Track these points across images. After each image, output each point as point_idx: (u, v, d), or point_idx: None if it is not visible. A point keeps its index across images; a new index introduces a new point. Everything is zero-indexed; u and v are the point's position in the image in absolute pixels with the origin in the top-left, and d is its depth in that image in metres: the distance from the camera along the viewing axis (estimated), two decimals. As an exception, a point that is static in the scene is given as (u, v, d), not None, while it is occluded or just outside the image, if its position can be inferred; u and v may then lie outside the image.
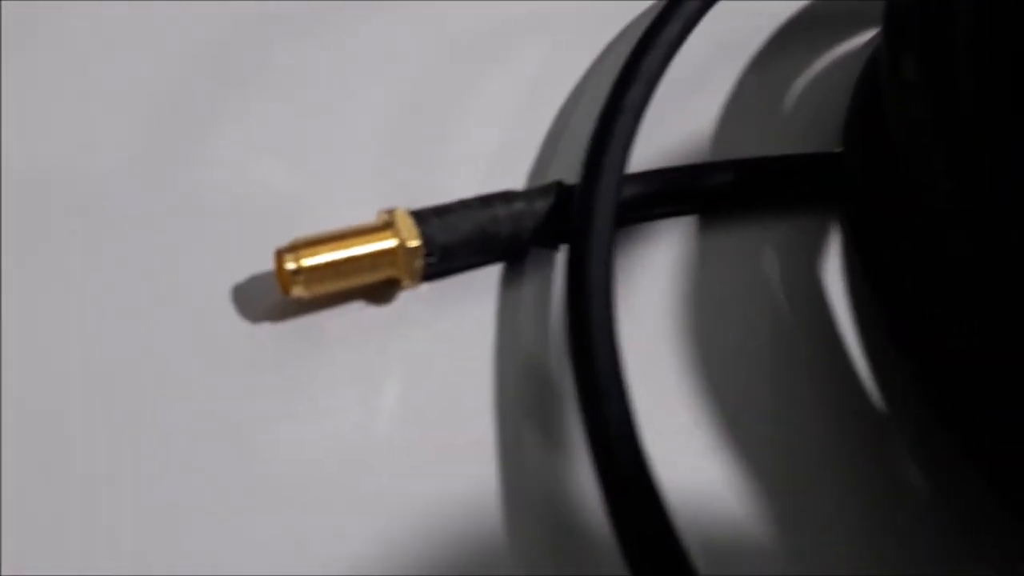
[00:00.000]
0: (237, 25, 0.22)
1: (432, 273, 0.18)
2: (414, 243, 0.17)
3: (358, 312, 0.18)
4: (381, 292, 0.18)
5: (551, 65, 0.22)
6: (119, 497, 0.15)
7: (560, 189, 0.19)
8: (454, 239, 0.18)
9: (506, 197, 0.19)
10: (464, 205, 0.18)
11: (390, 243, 0.17)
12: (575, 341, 0.17)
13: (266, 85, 0.21)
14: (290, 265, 0.16)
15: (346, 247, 0.17)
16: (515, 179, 0.20)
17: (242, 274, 0.18)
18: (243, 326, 0.17)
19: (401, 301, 0.18)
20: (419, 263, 0.17)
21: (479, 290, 0.19)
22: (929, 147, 0.16)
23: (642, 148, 0.21)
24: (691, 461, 0.17)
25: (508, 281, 0.19)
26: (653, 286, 0.19)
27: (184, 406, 0.16)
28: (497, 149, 0.21)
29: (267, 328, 0.17)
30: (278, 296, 0.17)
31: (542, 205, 0.19)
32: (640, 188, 0.19)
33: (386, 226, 0.17)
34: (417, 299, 0.18)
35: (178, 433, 0.16)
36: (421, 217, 0.18)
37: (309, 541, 0.15)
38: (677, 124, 0.22)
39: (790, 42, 0.24)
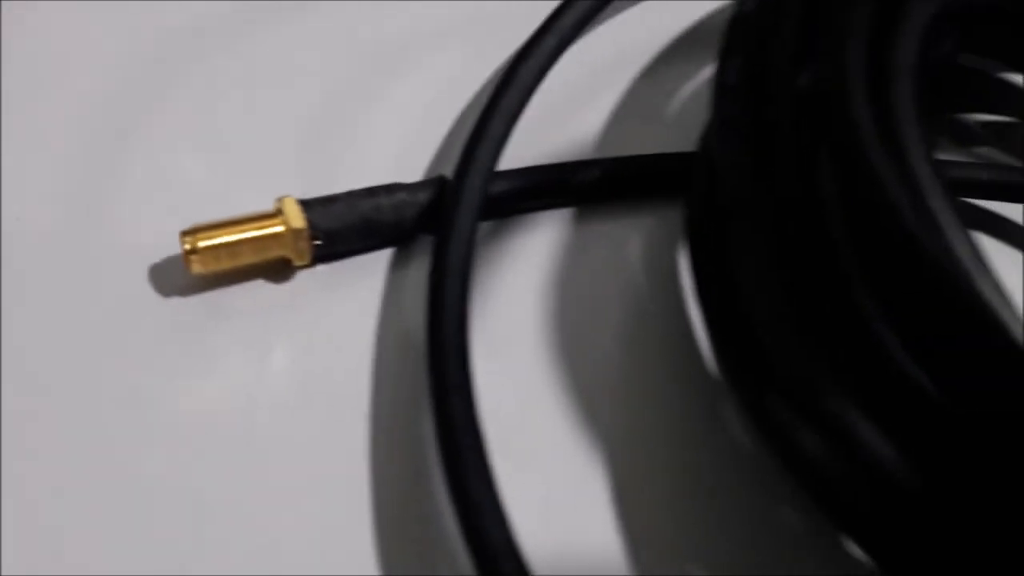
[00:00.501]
0: (165, 32, 0.25)
1: (323, 255, 0.21)
2: (299, 226, 0.20)
3: (258, 289, 0.21)
4: (279, 271, 0.21)
5: (460, 70, 0.25)
6: (29, 441, 0.18)
7: (441, 182, 0.22)
8: (338, 225, 0.21)
9: (390, 189, 0.21)
10: (350, 195, 0.21)
11: (278, 228, 0.20)
12: (430, 317, 0.19)
13: (193, 88, 0.24)
14: (187, 246, 0.19)
15: (239, 231, 0.20)
16: (416, 174, 0.23)
17: (160, 255, 0.21)
18: (155, 299, 0.20)
19: (298, 280, 0.21)
20: (305, 245, 0.20)
21: (370, 271, 0.21)
22: (736, 150, 0.19)
23: (533, 148, 0.23)
24: (544, 421, 0.20)
25: (396, 264, 0.22)
26: (526, 271, 0.22)
27: (98, 364, 0.19)
28: (401, 148, 0.24)
29: (176, 301, 0.20)
30: (188, 274, 0.20)
31: (424, 196, 0.21)
32: (515, 183, 0.22)
33: (277, 212, 0.20)
34: (314, 278, 0.21)
35: (92, 384, 0.19)
36: (308, 205, 0.20)
37: (198, 477, 0.18)
38: (570, 127, 0.24)
39: (679, 54, 0.26)
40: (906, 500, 0.16)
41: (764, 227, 0.17)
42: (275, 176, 0.23)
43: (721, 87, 0.20)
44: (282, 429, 0.19)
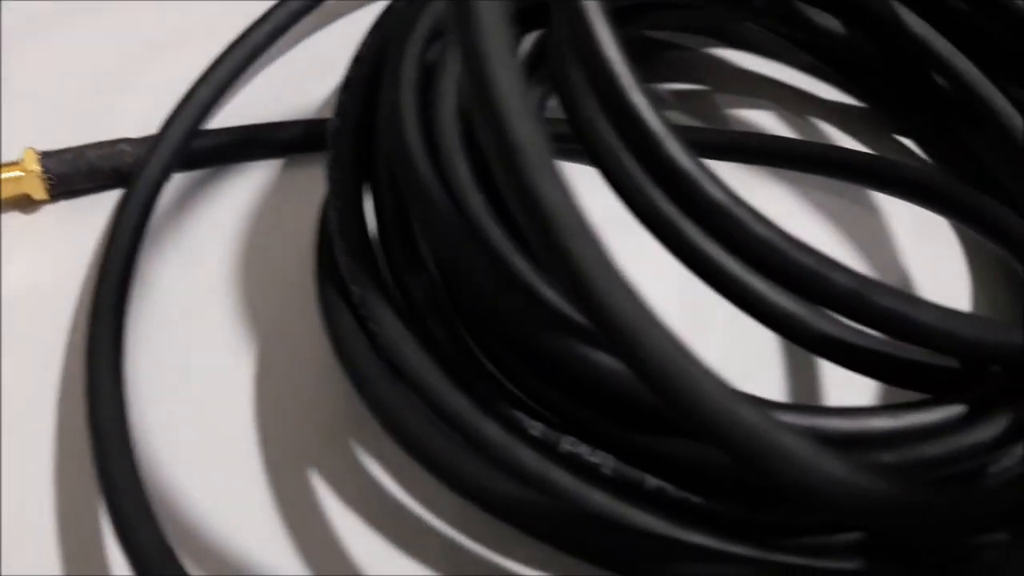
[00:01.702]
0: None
1: (59, 192, 0.27)
2: (33, 169, 0.26)
3: (10, 218, 0.27)
4: (28, 205, 0.27)
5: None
6: None
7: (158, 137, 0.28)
8: (67, 169, 0.27)
9: (115, 143, 0.27)
10: (83, 147, 0.27)
11: (17, 173, 0.26)
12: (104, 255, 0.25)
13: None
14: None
15: (-12, 174, 0.26)
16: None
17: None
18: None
19: (43, 211, 0.27)
20: (40, 184, 0.27)
21: (105, 206, 0.28)
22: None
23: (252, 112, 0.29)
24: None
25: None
26: (228, 215, 0.28)
27: None
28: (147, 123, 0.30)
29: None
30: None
31: (142, 149, 0.27)
32: (222, 138, 0.28)
33: (19, 161, 0.27)
34: (56, 210, 0.27)
35: None
36: (46, 154, 0.27)
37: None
38: (298, 98, 0.30)
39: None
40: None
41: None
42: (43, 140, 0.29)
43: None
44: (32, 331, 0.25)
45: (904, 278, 0.27)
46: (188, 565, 0.20)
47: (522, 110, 0.15)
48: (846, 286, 0.18)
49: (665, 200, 0.19)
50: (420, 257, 0.22)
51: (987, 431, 0.18)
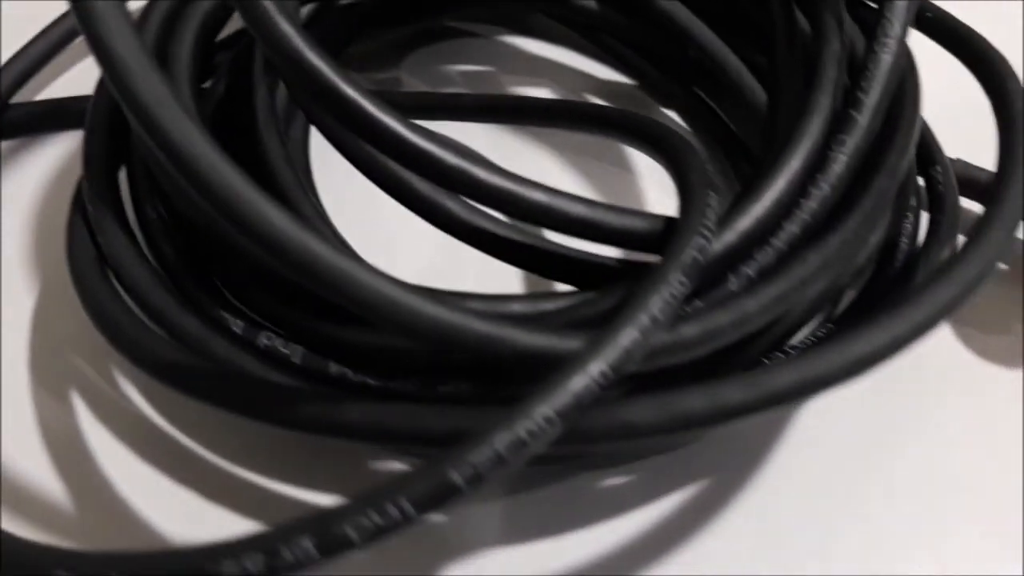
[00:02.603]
0: None
1: None
2: None
3: None
4: None
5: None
6: None
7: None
8: None
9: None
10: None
11: None
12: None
13: None
14: None
15: None
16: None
17: None
18: None
19: None
20: None
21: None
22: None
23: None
24: None
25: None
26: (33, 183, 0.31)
27: None
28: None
29: None
30: None
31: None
32: (33, 109, 0.31)
33: None
34: None
35: None
36: None
37: None
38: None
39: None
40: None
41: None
42: None
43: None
44: None
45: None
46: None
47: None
48: (494, 183, 0.21)
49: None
50: (157, 184, 0.25)
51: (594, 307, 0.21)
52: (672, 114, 0.33)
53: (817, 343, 0.23)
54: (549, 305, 0.21)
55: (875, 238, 0.26)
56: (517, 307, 0.21)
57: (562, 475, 0.25)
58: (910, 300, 0.21)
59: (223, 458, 0.25)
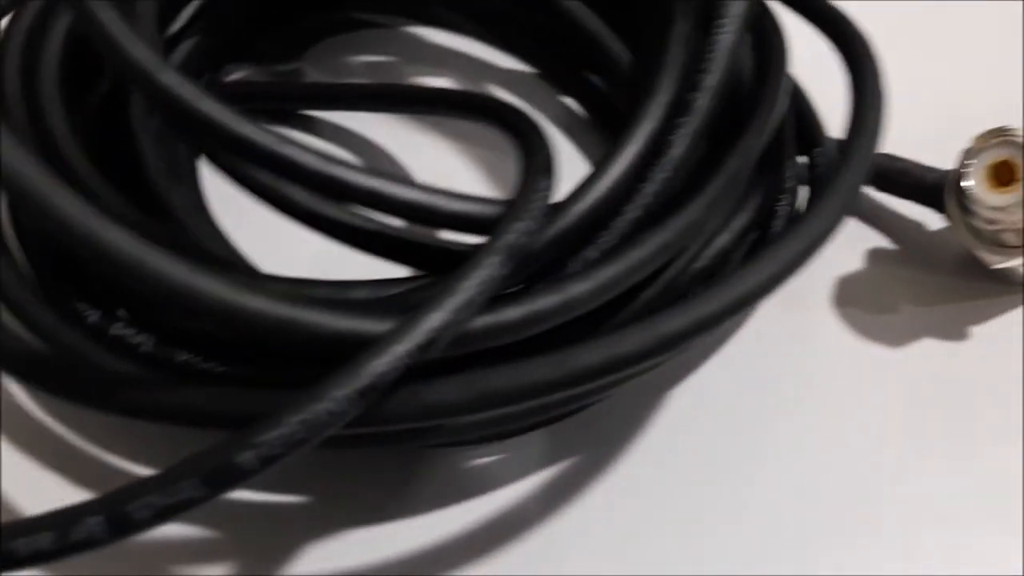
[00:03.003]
0: None
1: None
2: None
3: None
4: None
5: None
6: None
7: None
8: None
9: None
10: None
11: None
12: None
13: None
14: None
15: None
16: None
17: None
18: None
19: None
20: None
21: None
22: None
23: None
24: None
25: None
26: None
27: None
28: None
29: None
30: None
31: None
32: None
33: None
34: None
35: None
36: None
37: None
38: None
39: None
40: None
41: None
42: None
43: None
44: None
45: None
46: None
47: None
48: (320, 170, 0.21)
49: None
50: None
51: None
52: (570, 101, 0.34)
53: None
54: (393, 289, 0.22)
55: (739, 222, 0.26)
56: (324, 291, 0.21)
57: (421, 453, 0.25)
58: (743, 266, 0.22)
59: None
